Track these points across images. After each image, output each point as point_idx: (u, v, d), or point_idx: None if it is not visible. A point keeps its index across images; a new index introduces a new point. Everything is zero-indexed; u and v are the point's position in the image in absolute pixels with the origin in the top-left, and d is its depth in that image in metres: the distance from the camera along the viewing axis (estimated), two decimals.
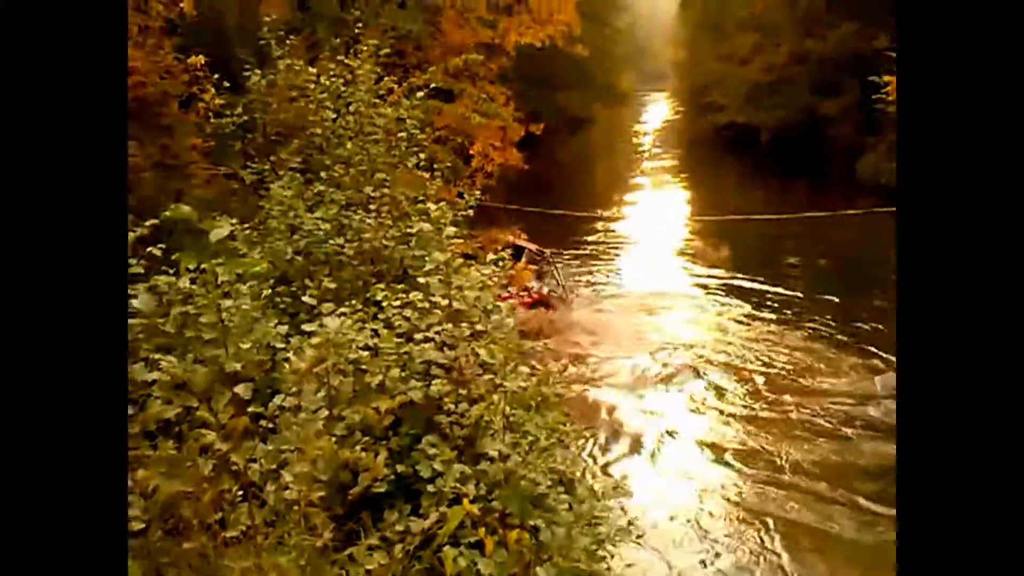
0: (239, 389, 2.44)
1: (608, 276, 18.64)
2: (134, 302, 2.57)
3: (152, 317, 2.56)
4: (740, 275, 17.56)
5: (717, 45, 37.43)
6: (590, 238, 21.54)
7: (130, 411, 2.86)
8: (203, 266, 2.46)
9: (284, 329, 2.91)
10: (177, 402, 2.61)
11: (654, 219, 24.97)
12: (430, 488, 3.95)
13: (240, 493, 3.09)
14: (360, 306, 4.85)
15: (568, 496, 3.85)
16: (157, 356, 2.62)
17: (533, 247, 14.92)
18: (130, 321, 3.20)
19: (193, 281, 2.59)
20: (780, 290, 16.36)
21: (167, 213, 2.34)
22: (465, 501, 3.49)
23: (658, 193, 29.82)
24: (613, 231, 22.93)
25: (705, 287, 17.33)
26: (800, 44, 30.62)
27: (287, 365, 2.74)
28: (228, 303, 2.50)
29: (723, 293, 16.67)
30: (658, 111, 52.69)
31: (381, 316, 4.75)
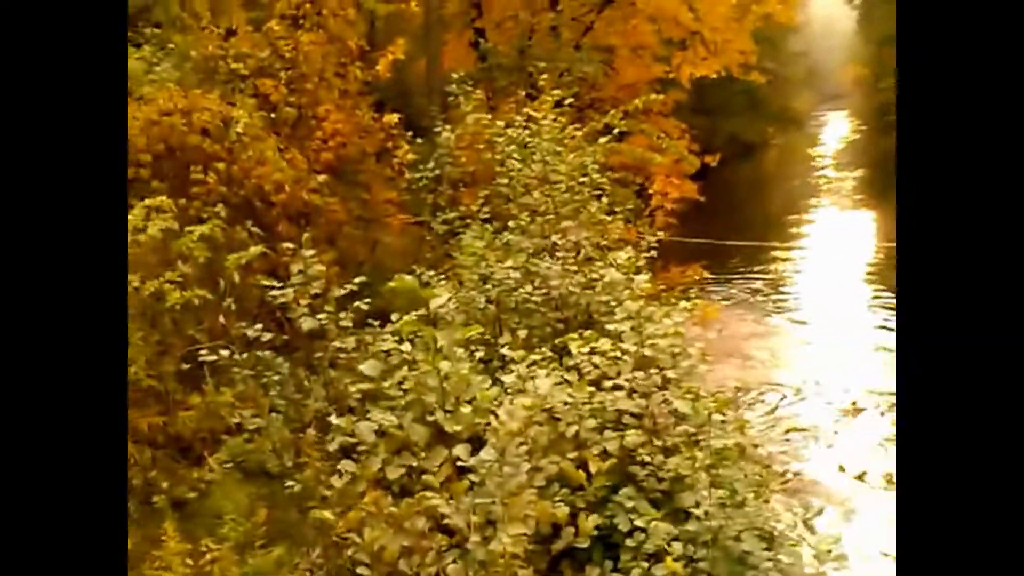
0: (458, 450, 2.54)
1: (783, 308, 17.74)
2: (362, 367, 2.75)
3: (377, 380, 2.72)
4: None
5: None
6: (768, 267, 20.71)
7: (352, 468, 3.05)
8: (421, 332, 2.59)
9: (496, 392, 3.00)
10: (397, 461, 2.75)
11: (835, 245, 23.64)
12: (629, 542, 3.92)
13: (446, 546, 3.21)
14: (549, 352, 4.94)
15: (774, 556, 3.70)
16: (380, 416, 2.77)
17: None
18: (359, 385, 3.41)
19: (412, 343, 2.74)
20: None
21: (392, 284, 2.48)
22: (668, 559, 3.44)
23: (839, 217, 28.27)
24: (792, 259, 21.94)
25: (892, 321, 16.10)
26: None
27: (498, 425, 2.82)
28: (446, 365, 2.61)
29: None
30: (836, 131, 50.10)
31: (569, 362, 4.80)
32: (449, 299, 2.52)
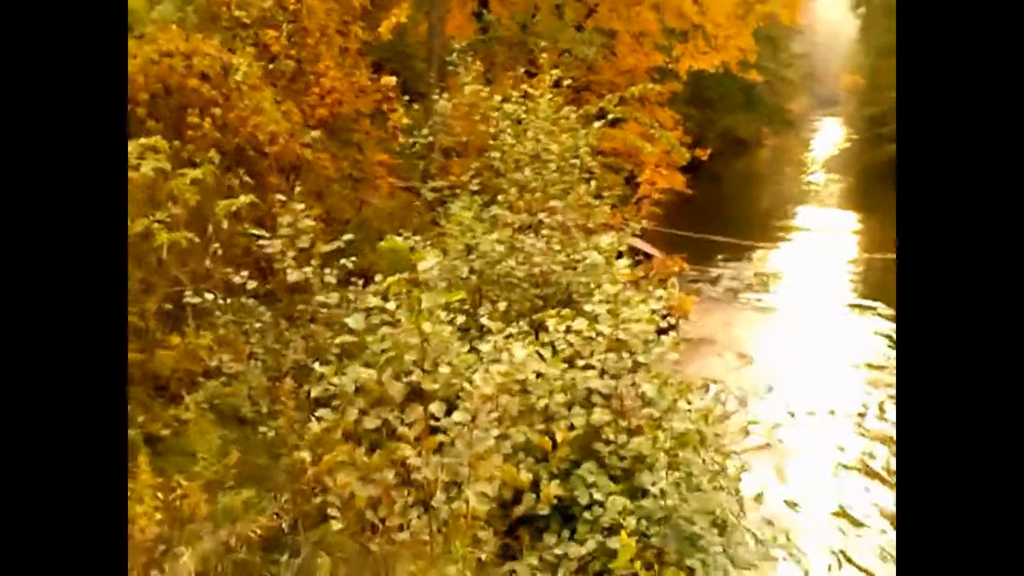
0: (433, 407, 2.64)
1: (759, 305, 17.92)
2: (347, 320, 2.83)
3: (360, 334, 2.81)
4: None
5: None
6: (749, 265, 20.88)
7: (330, 417, 3.14)
8: (403, 292, 2.68)
9: (472, 359, 3.10)
10: (373, 413, 2.85)
11: (819, 251, 23.86)
12: (587, 515, 4.06)
13: (413, 501, 3.31)
14: (526, 327, 5.05)
15: (724, 538, 3.85)
16: (361, 369, 2.86)
17: (657, 253, 13.94)
18: (342, 338, 3.50)
19: (396, 303, 2.82)
20: None
21: (383, 244, 2.57)
22: (623, 533, 3.57)
23: (825, 223, 28.52)
24: (774, 259, 22.13)
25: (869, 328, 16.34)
26: None
27: (472, 388, 2.93)
28: (428, 326, 2.71)
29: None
30: (829, 137, 50.42)
31: (545, 338, 4.92)
32: (435, 264, 2.60)
